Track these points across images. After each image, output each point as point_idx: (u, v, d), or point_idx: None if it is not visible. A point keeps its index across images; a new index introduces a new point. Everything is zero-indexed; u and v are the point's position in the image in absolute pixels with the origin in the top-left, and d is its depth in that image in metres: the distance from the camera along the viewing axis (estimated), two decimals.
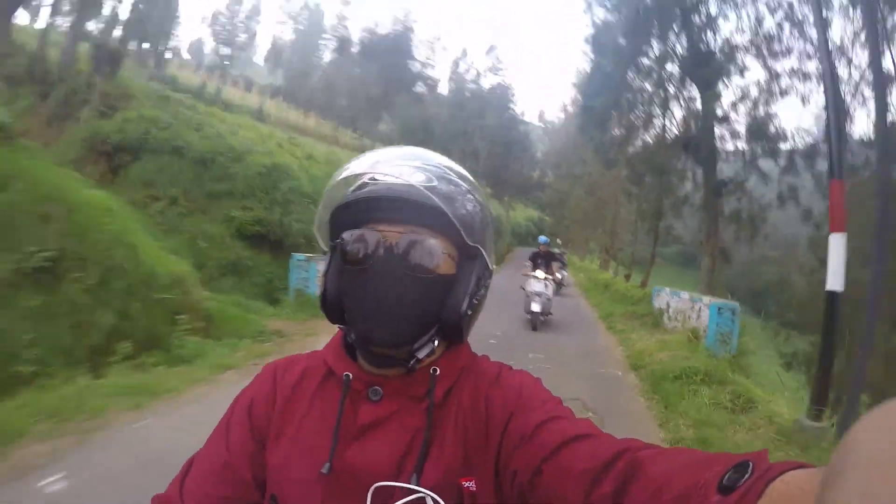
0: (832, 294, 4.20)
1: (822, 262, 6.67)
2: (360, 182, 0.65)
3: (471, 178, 0.70)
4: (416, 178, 0.60)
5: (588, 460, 0.48)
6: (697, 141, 11.22)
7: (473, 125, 38.67)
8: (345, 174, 0.64)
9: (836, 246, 4.16)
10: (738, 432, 4.29)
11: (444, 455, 0.60)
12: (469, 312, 0.64)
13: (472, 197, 0.66)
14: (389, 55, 38.78)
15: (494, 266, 0.70)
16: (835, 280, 4.16)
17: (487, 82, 44.89)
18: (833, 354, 4.49)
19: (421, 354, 0.63)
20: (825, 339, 4.45)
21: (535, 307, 8.42)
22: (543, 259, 9.28)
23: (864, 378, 4.55)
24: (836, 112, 4.75)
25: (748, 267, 18.73)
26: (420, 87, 40.35)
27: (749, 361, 6.94)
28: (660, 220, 14.02)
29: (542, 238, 10.49)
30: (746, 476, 0.34)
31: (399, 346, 0.61)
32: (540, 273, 8.79)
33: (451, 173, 0.66)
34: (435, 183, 0.60)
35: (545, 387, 0.66)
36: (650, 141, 13.21)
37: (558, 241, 30.15)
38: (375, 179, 0.62)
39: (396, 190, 0.59)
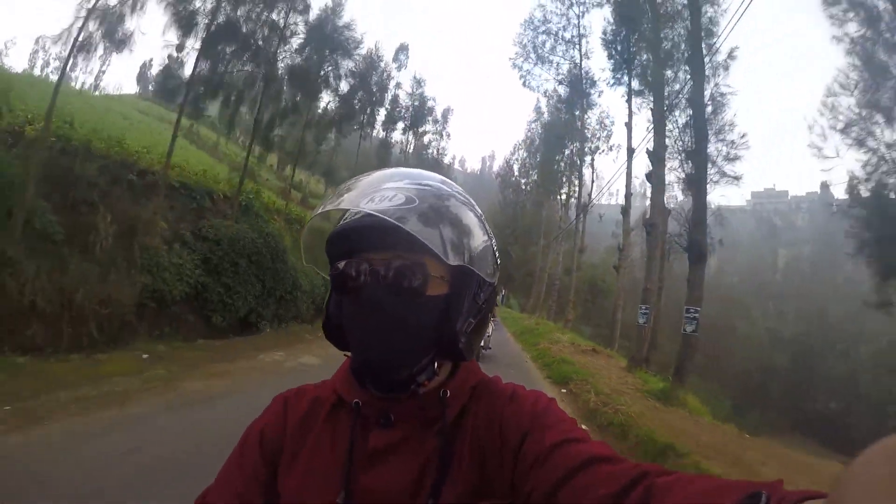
0: None
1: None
2: (349, 211, 0.65)
3: (461, 190, 0.70)
4: (396, 201, 0.59)
5: (605, 486, 0.49)
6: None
7: None
8: (326, 207, 0.63)
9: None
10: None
11: (459, 477, 0.61)
12: (467, 331, 0.64)
13: (461, 211, 0.65)
14: None
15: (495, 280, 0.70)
16: None
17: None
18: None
19: (421, 378, 0.63)
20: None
21: None
22: None
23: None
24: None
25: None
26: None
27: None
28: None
29: None
30: None
31: (395, 371, 0.62)
32: None
33: (440, 188, 0.66)
34: (416, 204, 0.60)
35: (560, 407, 0.65)
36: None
37: None
38: (358, 208, 0.61)
39: (375, 217, 0.59)
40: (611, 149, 26.83)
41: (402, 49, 38.46)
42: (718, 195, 18.89)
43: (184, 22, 9.03)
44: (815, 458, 6.70)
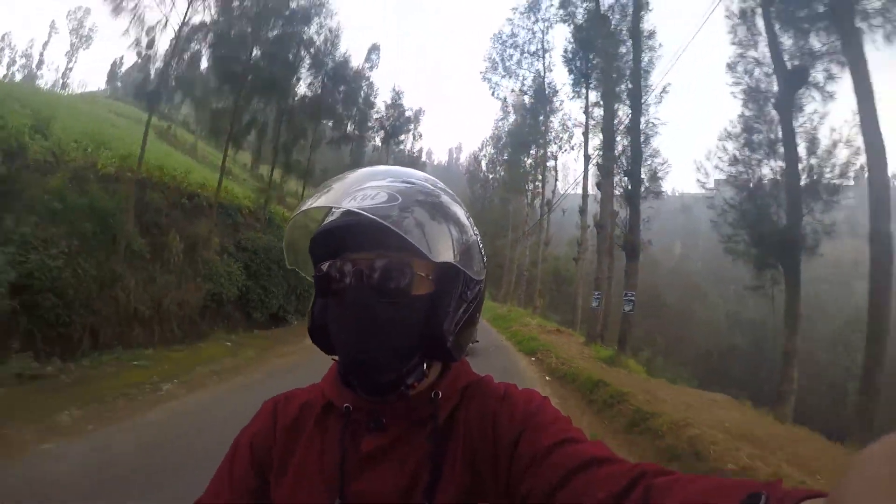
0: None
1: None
2: (331, 211, 0.65)
3: (444, 187, 0.69)
4: (379, 199, 0.58)
5: (604, 488, 0.48)
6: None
7: None
8: (308, 204, 0.63)
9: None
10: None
11: (453, 479, 0.60)
12: (455, 330, 0.64)
13: (446, 209, 0.64)
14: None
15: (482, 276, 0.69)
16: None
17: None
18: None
19: (410, 379, 0.62)
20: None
21: None
22: None
23: None
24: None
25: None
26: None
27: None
28: None
29: None
30: None
31: (383, 373, 0.61)
32: None
33: (424, 185, 0.65)
34: (399, 201, 0.59)
35: (554, 406, 0.65)
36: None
37: None
38: (339, 207, 0.61)
39: (358, 216, 0.58)
40: (572, 148, 29.90)
41: (374, 49, 40.40)
42: (683, 183, 21.64)
43: (228, 76, 11.23)
44: (701, 390, 9.69)
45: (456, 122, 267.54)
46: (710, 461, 4.61)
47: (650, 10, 15.69)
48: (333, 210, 0.64)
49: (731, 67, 11.01)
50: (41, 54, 67.33)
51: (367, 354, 0.60)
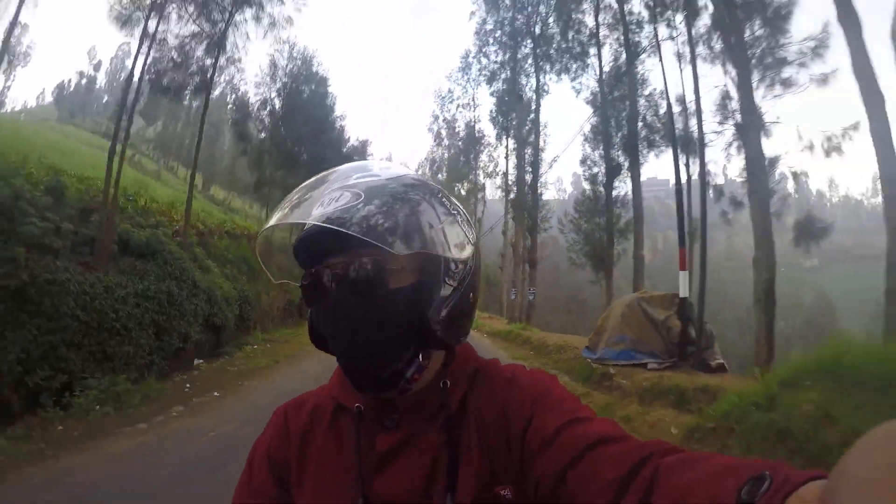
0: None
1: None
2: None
3: (416, 176, 0.68)
4: (342, 201, 0.59)
5: (612, 468, 0.49)
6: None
7: None
8: (272, 221, 0.64)
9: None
10: None
11: (471, 467, 0.61)
12: (441, 316, 0.63)
13: (411, 196, 0.63)
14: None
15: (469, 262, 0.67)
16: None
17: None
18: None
19: (408, 372, 0.62)
20: None
21: None
22: None
23: None
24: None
25: None
26: None
27: None
28: None
29: None
30: (764, 489, 0.35)
31: (378, 370, 0.61)
32: None
33: (390, 177, 0.65)
34: (361, 199, 0.59)
35: (561, 384, 0.66)
36: None
37: None
38: (306, 221, 0.61)
39: (322, 224, 0.58)
40: (498, 175, 39.20)
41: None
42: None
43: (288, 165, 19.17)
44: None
45: (385, 132, 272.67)
46: (548, 345, 13.43)
47: (548, 94, 25.00)
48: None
49: (581, 162, 20.40)
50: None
51: (359, 354, 0.61)
